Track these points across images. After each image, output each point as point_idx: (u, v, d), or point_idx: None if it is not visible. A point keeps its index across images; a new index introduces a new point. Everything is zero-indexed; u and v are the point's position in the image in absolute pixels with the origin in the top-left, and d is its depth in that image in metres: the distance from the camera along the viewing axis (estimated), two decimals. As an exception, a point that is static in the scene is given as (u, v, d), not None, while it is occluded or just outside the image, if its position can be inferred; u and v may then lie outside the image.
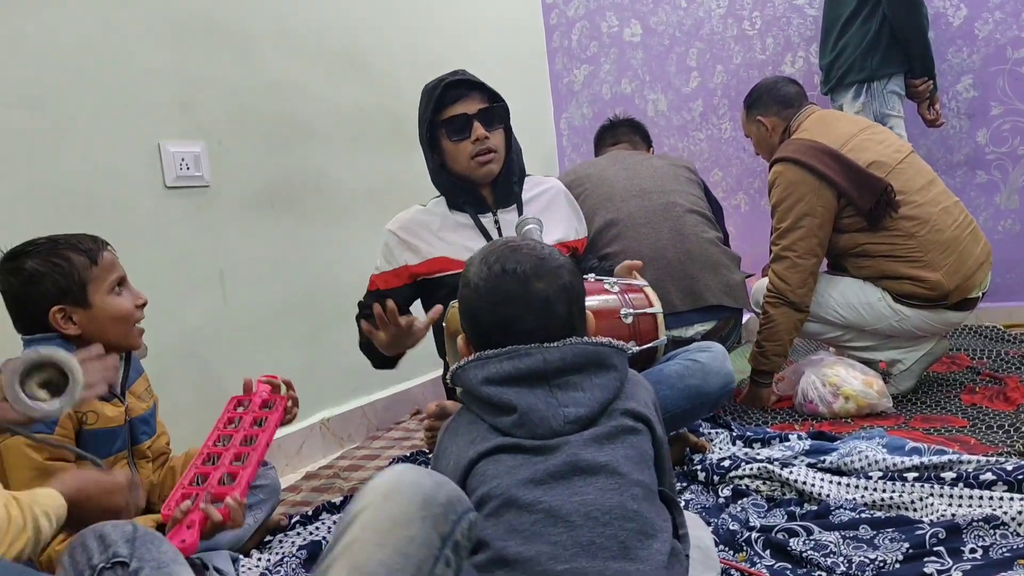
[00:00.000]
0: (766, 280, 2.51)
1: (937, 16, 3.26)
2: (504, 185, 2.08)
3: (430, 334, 2.18)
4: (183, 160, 2.15)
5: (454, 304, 1.86)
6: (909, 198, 2.32)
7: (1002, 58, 3.19)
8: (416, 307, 2.16)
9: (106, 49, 2.00)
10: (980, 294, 2.39)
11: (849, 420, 2.26)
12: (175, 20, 2.18)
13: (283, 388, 1.73)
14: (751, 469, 1.78)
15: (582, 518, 0.99)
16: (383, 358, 2.02)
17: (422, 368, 2.99)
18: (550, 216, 2.11)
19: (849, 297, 2.42)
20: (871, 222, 2.33)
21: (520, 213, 2.09)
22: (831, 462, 1.79)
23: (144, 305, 1.61)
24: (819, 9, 3.45)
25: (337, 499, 1.95)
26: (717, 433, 2.10)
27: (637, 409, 1.10)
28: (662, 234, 2.36)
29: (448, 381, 1.15)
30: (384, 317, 1.74)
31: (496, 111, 2.03)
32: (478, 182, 2.06)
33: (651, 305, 1.91)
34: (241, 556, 1.65)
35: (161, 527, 1.38)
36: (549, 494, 1.01)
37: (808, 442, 1.93)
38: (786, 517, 1.60)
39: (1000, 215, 3.27)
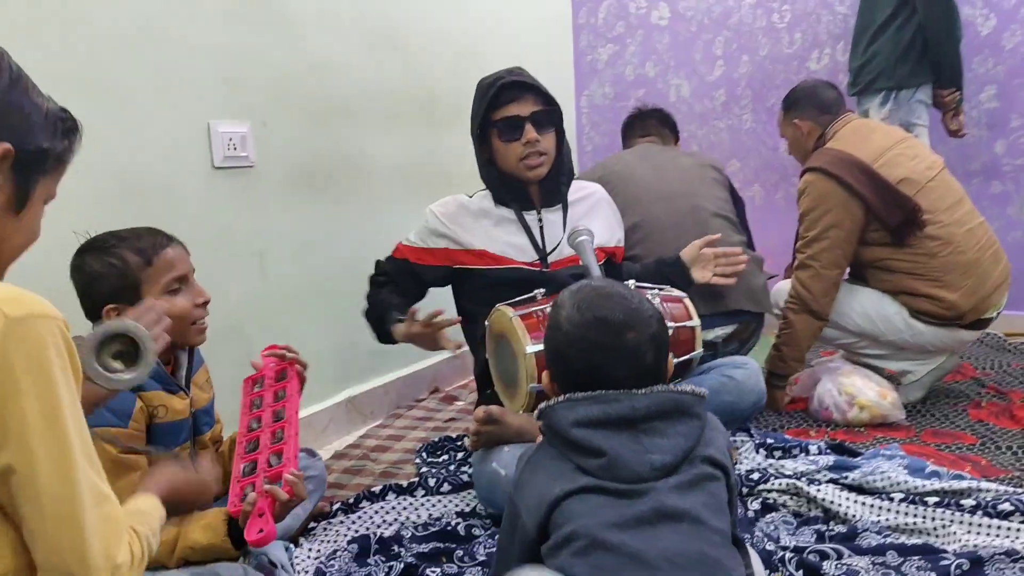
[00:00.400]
0: (788, 283, 2.57)
1: (967, 24, 3.28)
2: (551, 185, 2.11)
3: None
4: (231, 140, 2.17)
5: (499, 307, 1.92)
6: (935, 217, 2.38)
7: (1026, 71, 3.24)
8: (442, 296, 2.20)
9: (161, 29, 2.00)
10: (995, 314, 2.46)
11: (862, 429, 2.35)
12: (226, -2, 2.17)
13: (286, 356, 1.75)
14: (780, 484, 1.86)
15: (665, 563, 1.05)
16: (385, 338, 2.08)
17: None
18: (592, 221, 2.15)
19: (867, 308, 2.49)
20: (896, 239, 2.39)
21: (565, 214, 2.13)
22: (854, 479, 1.87)
23: (206, 303, 1.59)
24: (849, 7, 3.47)
25: (376, 487, 2.00)
26: (740, 440, 2.18)
27: (716, 456, 1.16)
28: (688, 239, 2.40)
29: (537, 417, 1.20)
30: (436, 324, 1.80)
31: (549, 114, 2.05)
32: (526, 181, 2.09)
33: (690, 318, 1.97)
34: (292, 545, 1.71)
35: (231, 522, 1.43)
36: (634, 538, 1.07)
37: (832, 457, 2.01)
38: (815, 536, 1.69)
39: (1011, 226, 3.34)
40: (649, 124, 2.95)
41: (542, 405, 1.19)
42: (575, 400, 1.15)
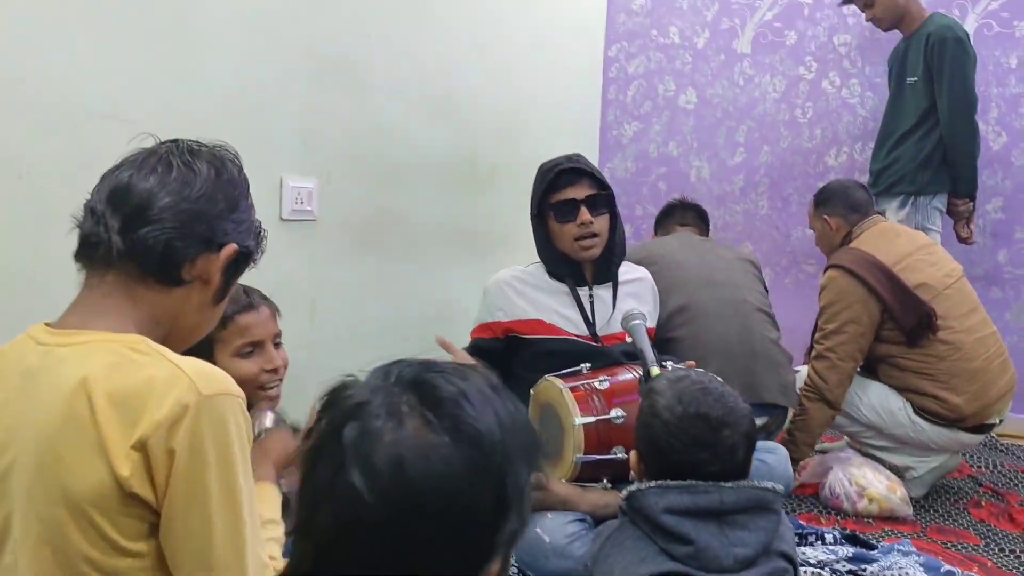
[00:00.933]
0: (804, 369, 2.69)
1: (981, 135, 3.47)
2: (604, 264, 2.23)
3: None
4: (299, 195, 2.26)
5: (548, 377, 2.01)
6: (948, 323, 2.51)
7: (1033, 188, 3.43)
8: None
9: (251, 86, 2.11)
10: (998, 420, 2.59)
11: (871, 521, 2.45)
12: (309, 59, 2.29)
13: None
14: (805, 572, 1.95)
15: None
16: None
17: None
18: (638, 302, 2.26)
19: (873, 400, 2.61)
20: (909, 340, 2.52)
21: (615, 292, 2.25)
22: (872, 572, 1.97)
23: (274, 370, 1.62)
24: (869, 111, 3.65)
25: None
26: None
27: (788, 552, 1.25)
28: (731, 328, 2.51)
29: (624, 498, 1.28)
30: None
31: (602, 198, 2.17)
32: (578, 260, 2.20)
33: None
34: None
35: None
36: (716, 626, 1.16)
37: (850, 548, 2.11)
38: (841, 627, 1.78)
39: (1008, 330, 3.50)
40: (688, 215, 3.12)
41: (632, 488, 1.27)
42: (667, 487, 1.24)
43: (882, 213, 3.26)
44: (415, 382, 0.72)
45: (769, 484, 1.27)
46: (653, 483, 1.26)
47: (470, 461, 0.67)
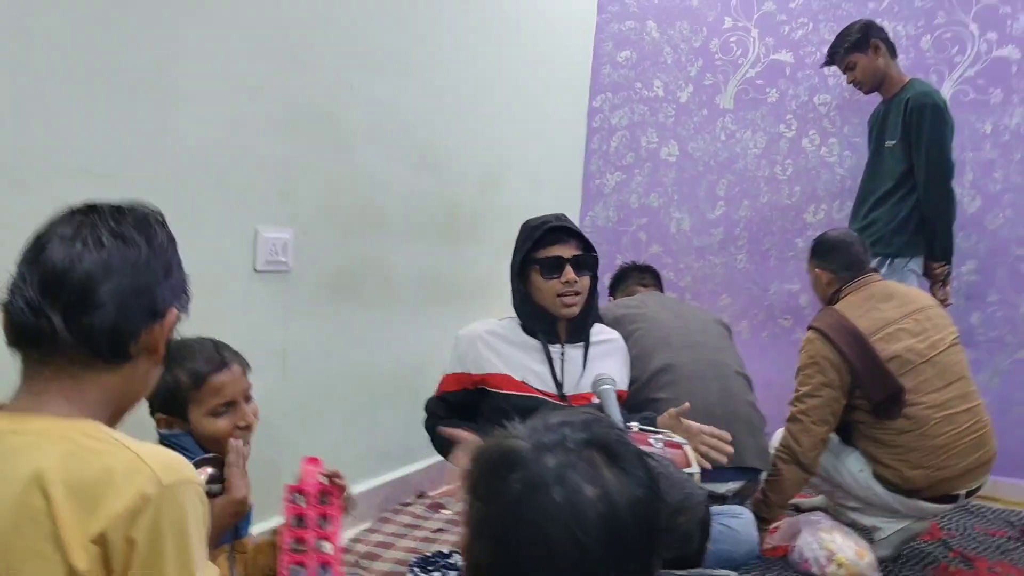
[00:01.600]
0: (780, 432, 2.70)
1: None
2: (579, 324, 2.25)
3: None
4: (274, 246, 2.26)
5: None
6: (917, 398, 2.49)
7: (1005, 252, 3.47)
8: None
9: (229, 139, 2.12)
10: (964, 493, 2.59)
11: (839, 586, 2.45)
12: (289, 112, 2.30)
13: (335, 481, 1.80)
14: (768, 643, 1.95)
15: None
16: None
17: (424, 452, 3.11)
18: (607, 363, 2.27)
19: (836, 461, 2.63)
20: (876, 412, 2.52)
21: (586, 352, 2.25)
22: (835, 644, 1.96)
23: (248, 427, 1.65)
24: (847, 170, 3.70)
25: (375, 602, 2.05)
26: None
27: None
28: (712, 391, 2.52)
29: None
30: None
31: (588, 259, 2.20)
32: (558, 317, 2.21)
33: (688, 465, 2.07)
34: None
35: None
36: None
37: (815, 619, 2.10)
38: None
39: (982, 392, 3.51)
40: (646, 276, 3.19)
41: None
42: None
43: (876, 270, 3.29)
44: (591, 441, 0.89)
45: (722, 572, 1.27)
46: None
47: (647, 486, 0.89)
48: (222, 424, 1.60)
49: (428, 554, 2.45)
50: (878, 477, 2.54)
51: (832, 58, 3.34)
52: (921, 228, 3.18)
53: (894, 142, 3.20)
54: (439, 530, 2.74)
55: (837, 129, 3.75)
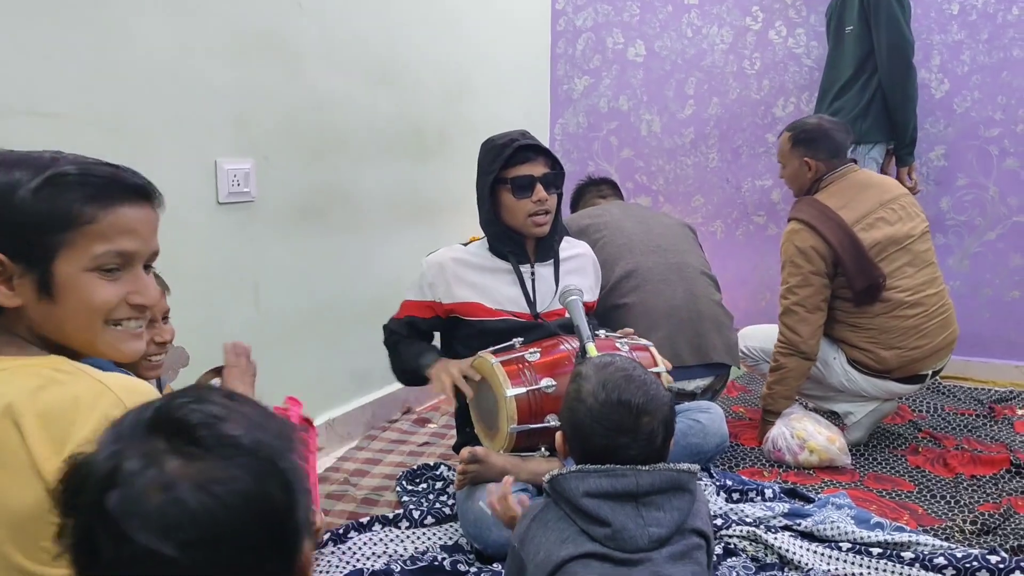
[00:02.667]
0: (755, 328, 2.76)
1: (922, 86, 3.50)
2: (547, 242, 2.25)
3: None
4: (235, 177, 2.25)
5: (481, 354, 2.06)
6: (892, 283, 2.56)
7: (974, 134, 3.47)
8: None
9: (178, 69, 2.08)
10: (929, 372, 2.67)
11: (811, 472, 2.54)
12: (237, 37, 2.25)
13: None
14: (741, 531, 2.03)
15: None
16: (419, 381, 2.25)
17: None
18: (578, 278, 2.30)
19: None
20: (856, 300, 2.58)
21: (556, 269, 2.27)
22: (806, 527, 2.05)
23: (163, 343, 1.69)
24: (815, 61, 3.67)
25: (364, 518, 2.12)
26: (704, 483, 2.34)
27: (702, 528, 1.31)
28: (677, 292, 2.56)
29: (547, 482, 1.32)
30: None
31: (556, 177, 2.19)
32: (527, 236, 2.22)
33: (655, 365, 2.13)
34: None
35: None
36: (633, 604, 1.22)
37: (786, 504, 2.19)
38: (772, 583, 1.86)
39: (950, 276, 3.57)
40: (603, 188, 3.19)
41: (554, 472, 1.31)
42: (586, 472, 1.29)
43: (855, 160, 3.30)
44: (155, 424, 0.70)
45: (684, 466, 1.32)
46: (574, 468, 1.30)
47: (246, 468, 0.68)
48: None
49: (415, 467, 2.52)
50: (853, 362, 2.61)
51: None
52: (884, 114, 3.19)
53: (852, 27, 3.20)
54: (425, 444, 2.82)
55: (803, 19, 3.70)
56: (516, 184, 2.14)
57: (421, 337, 2.30)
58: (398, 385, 3.10)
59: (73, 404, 0.95)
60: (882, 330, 2.56)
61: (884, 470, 2.58)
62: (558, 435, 1.40)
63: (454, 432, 2.46)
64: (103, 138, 1.89)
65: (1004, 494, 2.35)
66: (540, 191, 2.14)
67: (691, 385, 2.53)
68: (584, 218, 2.83)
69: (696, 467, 1.35)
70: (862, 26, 3.17)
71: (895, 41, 3.12)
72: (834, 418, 2.77)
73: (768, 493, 2.28)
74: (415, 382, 2.29)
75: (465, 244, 2.30)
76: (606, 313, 2.54)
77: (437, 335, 2.36)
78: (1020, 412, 3.06)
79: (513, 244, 2.22)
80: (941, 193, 3.56)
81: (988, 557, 1.85)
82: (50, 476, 0.92)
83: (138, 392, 0.99)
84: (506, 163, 2.14)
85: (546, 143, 4.18)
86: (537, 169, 2.15)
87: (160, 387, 1.75)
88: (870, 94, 3.20)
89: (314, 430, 1.83)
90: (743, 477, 2.44)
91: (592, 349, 1.82)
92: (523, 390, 1.95)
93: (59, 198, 1.01)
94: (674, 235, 2.76)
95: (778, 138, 2.82)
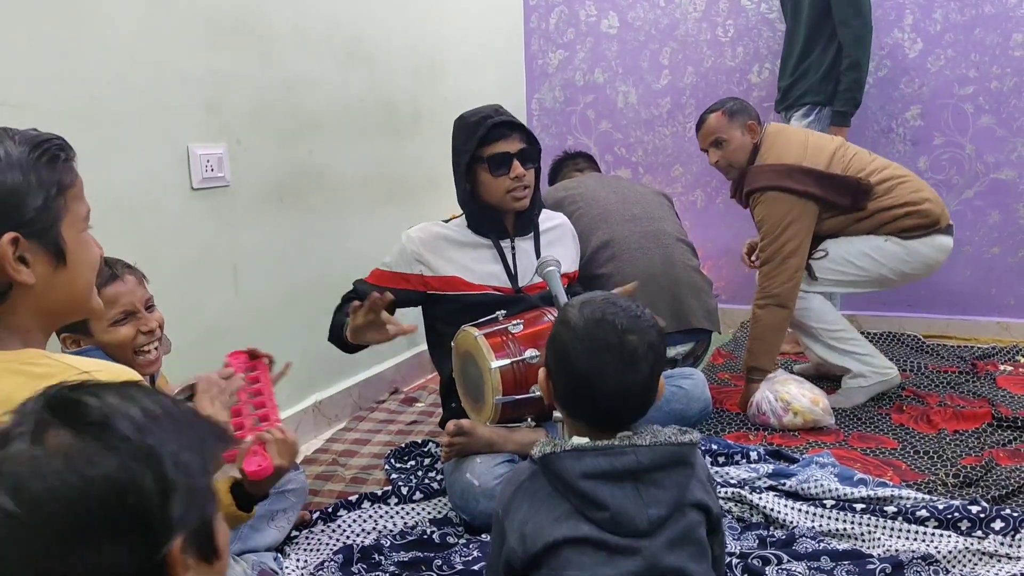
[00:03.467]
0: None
1: (895, 46, 3.52)
2: (526, 216, 2.26)
3: (422, 334, 2.38)
4: (208, 162, 2.23)
5: (464, 327, 2.06)
6: (873, 177, 2.66)
7: (949, 93, 3.48)
8: (414, 314, 2.34)
9: (145, 55, 2.06)
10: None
11: (796, 433, 2.56)
12: (205, 21, 2.22)
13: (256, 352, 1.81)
14: (726, 493, 2.05)
15: None
16: (346, 346, 2.15)
17: (398, 349, 3.17)
18: (559, 249, 2.30)
19: (860, 247, 2.69)
20: (854, 210, 2.65)
21: (537, 242, 2.28)
22: (791, 486, 2.07)
23: (151, 331, 1.64)
24: (789, 25, 3.66)
25: (352, 496, 2.13)
26: (689, 448, 2.36)
27: (701, 499, 1.24)
28: (653, 260, 2.57)
29: (538, 460, 1.25)
30: (377, 303, 1.89)
31: (532, 152, 2.19)
32: (506, 211, 2.22)
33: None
34: (280, 556, 1.83)
35: (234, 490, 1.52)
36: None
37: (771, 465, 2.21)
38: (758, 542, 1.88)
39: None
40: (579, 161, 3.20)
41: (547, 451, 1.22)
42: (582, 450, 1.20)
43: (788, 122, 3.34)
44: (59, 401, 0.72)
45: (687, 437, 1.23)
46: (568, 446, 1.22)
47: (121, 456, 0.69)
48: (124, 331, 1.60)
49: (403, 445, 2.53)
50: (905, 232, 2.64)
51: None
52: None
53: None
54: (413, 422, 2.82)
55: (776, -17, 3.69)
56: (493, 162, 2.14)
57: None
58: (385, 365, 3.12)
59: None
60: (908, 190, 2.64)
61: (868, 429, 2.60)
62: (541, 372, 1.33)
63: (441, 410, 2.47)
64: (73, 127, 1.85)
65: (986, 447, 2.38)
66: (517, 167, 2.14)
67: (672, 352, 2.54)
68: (559, 190, 2.84)
69: (697, 436, 1.27)
70: None
71: (861, 26, 3.13)
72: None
73: (753, 455, 2.30)
74: (345, 349, 2.20)
75: (446, 221, 2.30)
76: (583, 283, 2.55)
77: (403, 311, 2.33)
78: (1003, 367, 3.09)
79: (492, 221, 2.22)
80: (918, 153, 3.57)
81: (969, 507, 1.88)
82: None
83: (118, 375, 0.99)
84: (481, 141, 2.13)
85: (523, 118, 4.18)
86: (513, 145, 2.15)
87: (153, 382, 1.73)
88: (833, 54, 3.20)
89: (263, 364, 1.79)
90: (728, 441, 2.46)
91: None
92: (507, 361, 1.95)
93: (52, 167, 1.03)
94: (649, 203, 2.77)
95: (701, 127, 2.82)
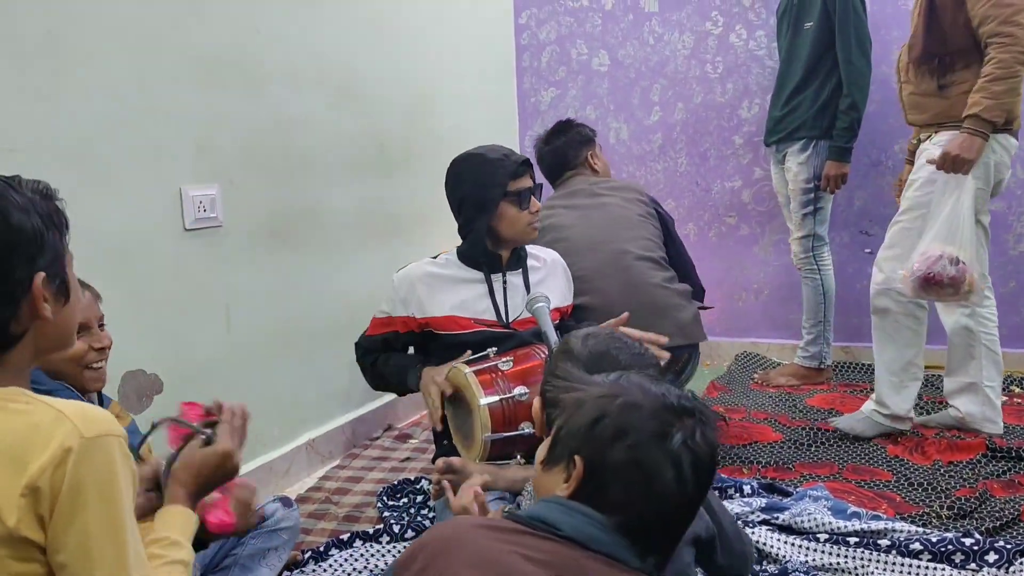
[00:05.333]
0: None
1: (883, 81, 3.55)
2: (519, 251, 2.32)
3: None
4: (201, 203, 2.26)
5: (455, 364, 2.07)
6: None
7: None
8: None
9: (136, 97, 2.09)
10: None
11: (791, 466, 2.55)
12: (197, 63, 2.26)
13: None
14: (718, 527, 2.04)
15: None
16: (401, 391, 2.34)
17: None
18: (549, 283, 2.33)
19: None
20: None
21: (526, 276, 2.31)
22: (784, 520, 2.07)
23: (103, 348, 1.64)
24: (776, 60, 3.69)
25: (344, 534, 2.12)
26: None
27: (694, 532, 1.26)
28: (612, 288, 2.55)
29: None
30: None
31: (540, 188, 2.33)
32: (516, 245, 2.30)
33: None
34: (271, 597, 1.82)
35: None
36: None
37: (764, 499, 2.20)
38: (751, 577, 1.87)
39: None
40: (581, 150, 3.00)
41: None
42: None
43: (783, 158, 3.35)
44: None
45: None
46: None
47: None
48: (77, 345, 1.54)
49: (395, 482, 2.53)
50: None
51: None
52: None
53: (812, 23, 3.22)
54: (407, 459, 2.82)
55: (763, 22, 3.75)
56: (520, 197, 2.24)
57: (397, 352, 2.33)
58: (378, 402, 3.11)
59: (32, 433, 0.97)
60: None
61: (862, 461, 2.60)
62: (536, 401, 1.35)
63: (435, 447, 2.47)
64: (66, 170, 1.90)
65: (980, 478, 2.38)
66: (535, 202, 2.27)
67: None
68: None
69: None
70: (823, 22, 3.19)
71: (862, 37, 3.17)
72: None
73: (746, 489, 2.29)
74: (399, 393, 2.37)
75: (434, 257, 2.32)
76: (573, 316, 2.58)
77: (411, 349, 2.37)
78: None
79: (490, 255, 2.27)
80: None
81: (963, 540, 1.87)
82: (5, 510, 0.94)
83: (96, 420, 1.00)
84: (513, 176, 2.22)
85: (517, 155, 4.22)
86: (530, 182, 2.28)
87: (103, 402, 1.71)
88: (830, 90, 3.23)
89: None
90: (722, 475, 2.45)
91: (560, 353, 1.83)
92: (496, 398, 1.96)
93: (57, 210, 1.10)
94: (614, 222, 2.72)
95: None
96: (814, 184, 3.30)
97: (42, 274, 1.05)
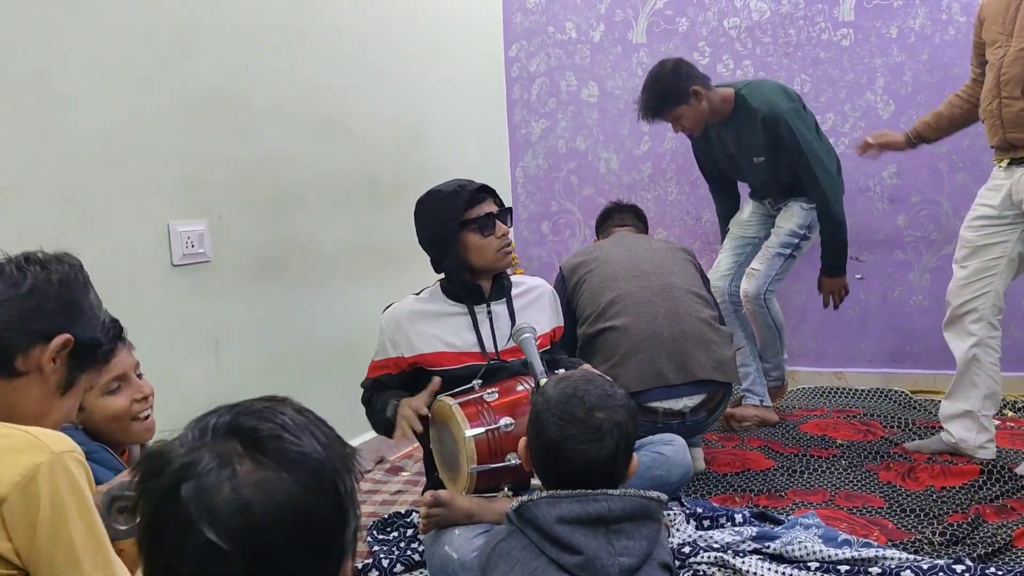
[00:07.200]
0: None
1: (868, 108, 3.60)
2: (501, 280, 2.31)
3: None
4: (188, 239, 2.27)
5: (440, 397, 2.07)
6: None
7: (923, 152, 3.51)
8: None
9: (128, 135, 2.11)
10: None
11: (783, 495, 2.54)
12: (185, 98, 2.28)
13: None
14: (709, 557, 2.03)
15: None
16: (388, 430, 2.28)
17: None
18: (533, 311, 2.33)
19: None
20: None
21: (509, 306, 2.31)
22: (775, 549, 2.06)
23: (145, 398, 1.64)
24: (764, 90, 3.74)
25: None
26: (673, 513, 2.34)
27: (667, 562, 1.32)
28: (659, 313, 2.59)
29: (517, 509, 1.31)
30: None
31: (508, 212, 2.29)
32: (493, 273, 2.28)
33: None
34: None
35: None
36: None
37: (755, 528, 2.19)
38: (741, 607, 1.86)
39: (912, 291, 3.64)
40: (625, 216, 3.21)
41: (523, 499, 1.31)
42: (558, 497, 1.29)
43: (779, 209, 3.27)
44: (233, 428, 0.78)
45: (654, 493, 1.33)
46: (545, 493, 1.31)
47: (305, 484, 0.75)
48: (119, 402, 1.58)
49: (386, 516, 2.51)
50: None
51: (654, 115, 3.16)
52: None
53: (763, 158, 3.08)
54: (398, 492, 2.81)
55: (750, 51, 3.79)
56: (481, 224, 2.21)
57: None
58: (369, 436, 3.09)
59: (5, 454, 1.03)
60: None
61: (855, 488, 2.58)
62: (521, 441, 1.43)
63: (426, 479, 2.46)
64: (53, 207, 1.91)
65: (973, 503, 2.37)
66: (501, 226, 2.23)
67: (679, 404, 2.53)
68: (577, 257, 2.90)
69: (664, 496, 1.36)
70: (772, 153, 3.03)
71: (822, 153, 3.01)
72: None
73: (738, 518, 2.28)
74: (388, 433, 2.31)
75: (418, 293, 2.33)
76: (593, 337, 2.60)
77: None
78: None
79: (469, 288, 2.26)
80: (897, 211, 3.62)
81: (954, 567, 1.86)
82: None
83: (59, 438, 1.08)
84: (466, 206, 2.21)
85: (507, 186, 4.26)
86: (491, 207, 2.25)
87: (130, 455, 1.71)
88: (784, 173, 3.09)
89: None
90: (714, 504, 2.44)
91: (545, 383, 1.83)
92: (482, 430, 1.96)
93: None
94: (660, 258, 2.79)
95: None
96: (804, 233, 3.15)
97: (66, 336, 1.16)
